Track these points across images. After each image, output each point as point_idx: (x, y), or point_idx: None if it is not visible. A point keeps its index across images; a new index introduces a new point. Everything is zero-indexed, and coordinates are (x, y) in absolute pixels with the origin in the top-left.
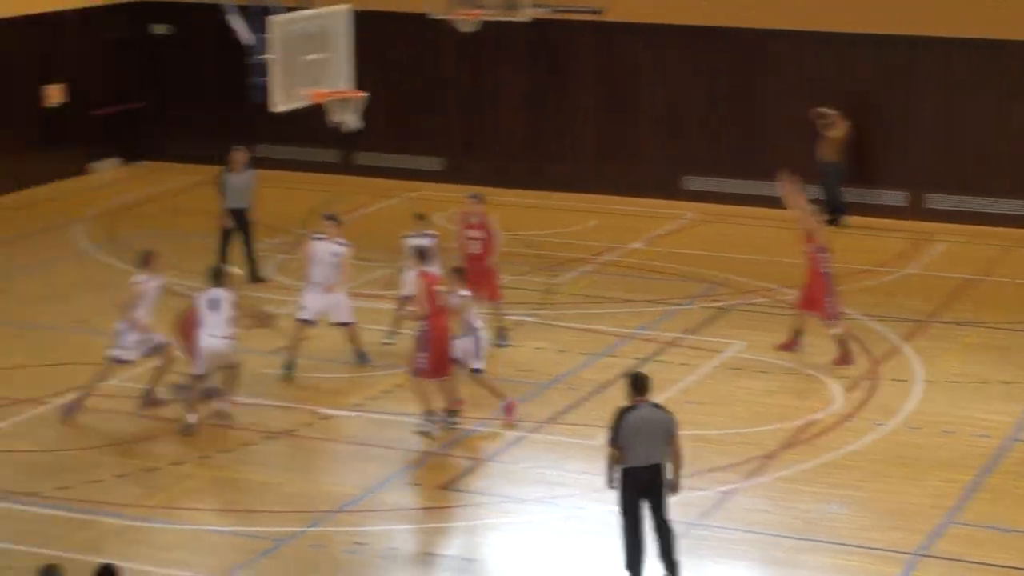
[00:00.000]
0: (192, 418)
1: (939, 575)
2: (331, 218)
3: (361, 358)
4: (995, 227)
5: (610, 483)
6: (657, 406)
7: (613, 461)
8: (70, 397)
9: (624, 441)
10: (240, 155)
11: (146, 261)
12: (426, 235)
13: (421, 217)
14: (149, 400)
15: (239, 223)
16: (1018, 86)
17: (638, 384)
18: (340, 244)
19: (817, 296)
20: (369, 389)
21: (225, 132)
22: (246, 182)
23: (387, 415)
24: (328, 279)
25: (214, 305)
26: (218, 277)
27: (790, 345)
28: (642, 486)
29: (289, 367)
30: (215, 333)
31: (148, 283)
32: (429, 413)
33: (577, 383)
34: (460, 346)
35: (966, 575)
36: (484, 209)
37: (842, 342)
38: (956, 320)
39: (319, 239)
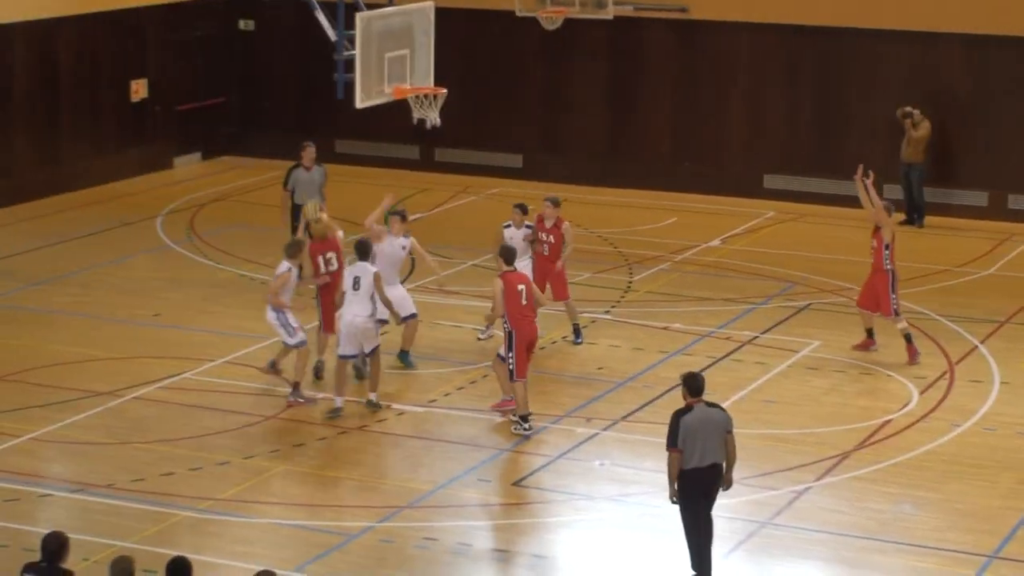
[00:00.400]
0: (339, 402)
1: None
2: (398, 214)
3: (403, 357)
4: None
5: (672, 496)
6: (712, 405)
7: (675, 465)
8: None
9: (683, 443)
10: (311, 150)
11: (295, 251)
12: (526, 226)
13: (523, 210)
14: (272, 368)
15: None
16: None
17: (692, 385)
18: (406, 238)
19: (880, 293)
20: (444, 385)
21: (305, 128)
22: (317, 177)
23: (461, 411)
24: (392, 276)
25: (356, 283)
26: (363, 251)
27: (866, 345)
28: (703, 487)
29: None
30: (358, 312)
31: (293, 271)
32: (524, 417)
33: (652, 381)
34: None
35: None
36: (559, 213)
37: (908, 337)
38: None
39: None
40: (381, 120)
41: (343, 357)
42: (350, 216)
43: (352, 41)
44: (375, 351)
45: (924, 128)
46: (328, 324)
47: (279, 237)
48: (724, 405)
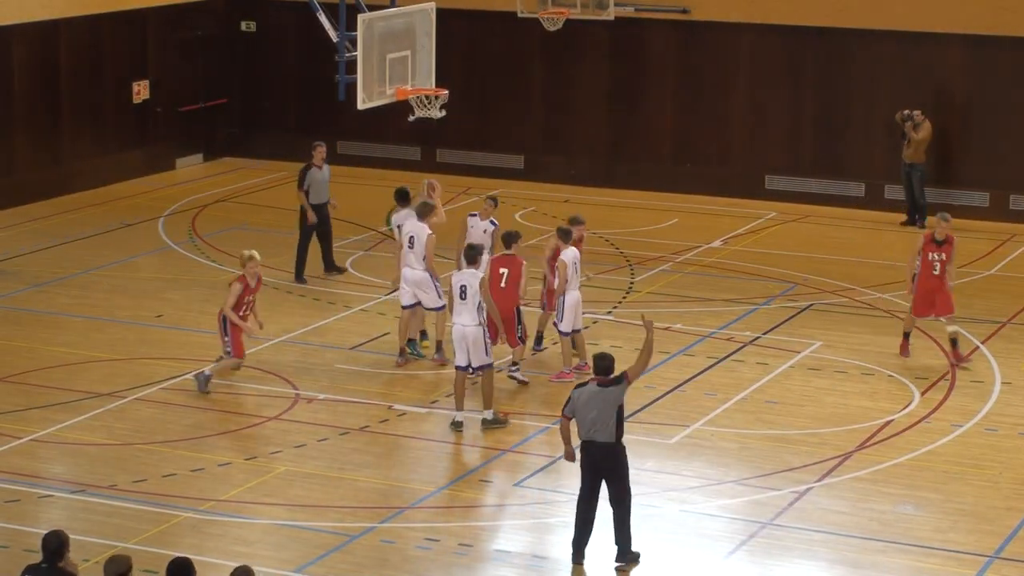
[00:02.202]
0: (459, 416)
1: None
2: (492, 199)
3: (438, 350)
4: None
5: (566, 457)
6: (610, 384)
7: (564, 430)
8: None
9: (572, 414)
10: (322, 149)
11: (425, 212)
12: (491, 222)
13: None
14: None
15: (320, 217)
16: None
17: (598, 364)
18: (493, 223)
19: (947, 295)
20: (447, 385)
21: (307, 129)
22: (328, 176)
23: (462, 412)
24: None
25: (463, 292)
26: (471, 257)
27: (904, 347)
28: (591, 460)
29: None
30: (467, 322)
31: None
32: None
33: (653, 382)
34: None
35: None
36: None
37: (954, 340)
38: None
39: (474, 216)
40: (383, 121)
41: (458, 368)
42: (352, 217)
43: (354, 42)
44: (485, 368)
45: (925, 130)
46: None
47: (281, 238)
48: (725, 406)
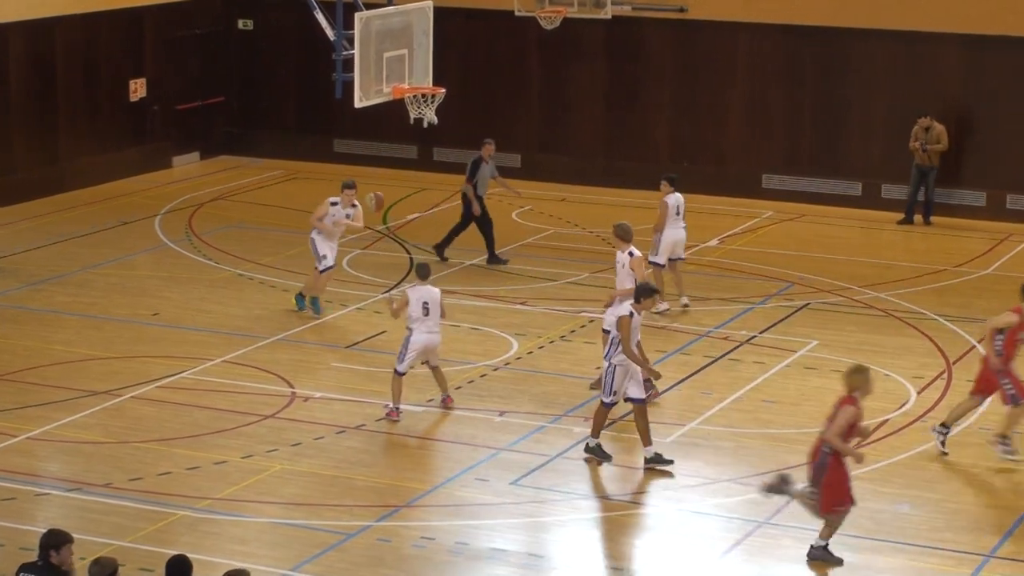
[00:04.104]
0: (592, 442)
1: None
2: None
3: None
4: None
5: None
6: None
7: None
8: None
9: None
10: (491, 146)
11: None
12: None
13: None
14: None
15: (483, 211)
16: None
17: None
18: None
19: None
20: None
21: (304, 127)
22: (493, 171)
23: (458, 410)
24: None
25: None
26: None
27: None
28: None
29: None
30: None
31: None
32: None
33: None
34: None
35: None
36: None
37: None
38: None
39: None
40: (380, 119)
41: (605, 405)
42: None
43: (351, 41)
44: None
45: (943, 139)
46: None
47: (277, 236)
48: (722, 405)
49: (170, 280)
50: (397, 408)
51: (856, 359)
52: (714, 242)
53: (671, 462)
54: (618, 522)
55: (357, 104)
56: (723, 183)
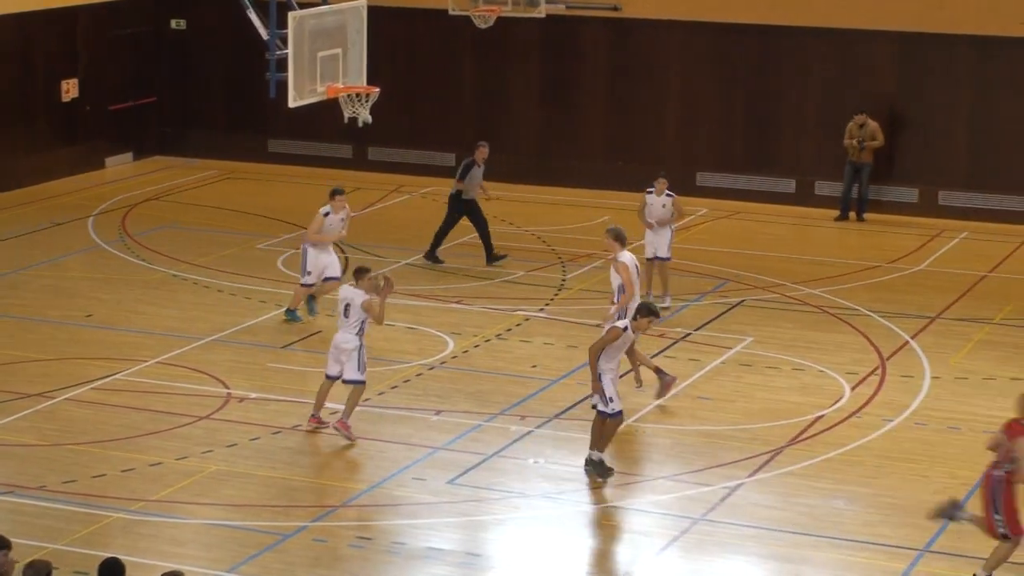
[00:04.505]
0: (595, 455)
1: (944, 570)
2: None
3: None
4: (1007, 224)
5: None
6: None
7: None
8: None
9: None
10: (486, 149)
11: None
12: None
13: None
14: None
15: (475, 211)
16: (1020, 82)
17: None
18: (670, 195)
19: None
20: (378, 384)
21: (238, 127)
22: (482, 175)
23: (395, 410)
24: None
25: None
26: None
27: None
28: None
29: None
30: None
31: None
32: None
33: (586, 378)
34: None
35: (970, 570)
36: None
37: None
38: (965, 316)
39: (650, 191)
40: (314, 119)
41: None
42: (284, 216)
43: (284, 40)
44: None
45: (880, 135)
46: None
47: (211, 237)
48: (657, 402)
49: (104, 281)
50: (316, 415)
51: (790, 356)
52: None
53: (611, 472)
54: (555, 520)
55: (291, 104)
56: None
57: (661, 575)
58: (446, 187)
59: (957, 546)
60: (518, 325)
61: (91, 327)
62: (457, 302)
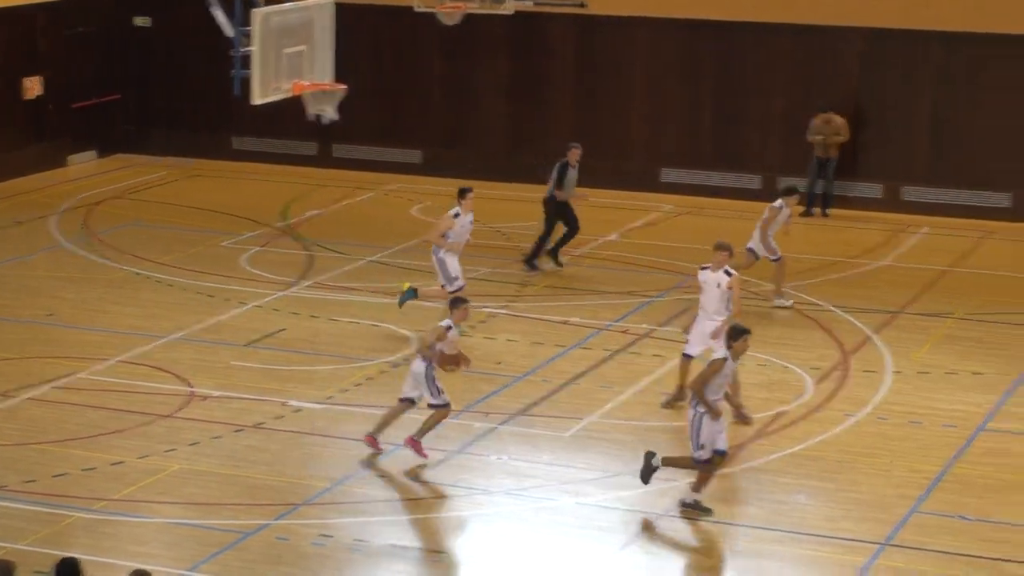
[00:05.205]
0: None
1: (904, 564)
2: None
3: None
4: (969, 219)
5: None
6: None
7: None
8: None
9: None
10: (578, 151)
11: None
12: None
13: None
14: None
15: (568, 213)
16: (993, 78)
17: None
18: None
19: None
20: (342, 381)
21: (202, 125)
22: (577, 176)
23: (358, 407)
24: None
25: None
26: None
27: None
28: None
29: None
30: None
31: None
32: None
33: (550, 375)
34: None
35: (931, 564)
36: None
37: None
38: (928, 311)
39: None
40: (279, 116)
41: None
42: (248, 213)
43: (249, 37)
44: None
45: (846, 131)
46: None
47: (175, 235)
48: (622, 398)
49: (66, 280)
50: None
51: (754, 351)
52: (614, 236)
53: (710, 511)
54: (519, 516)
55: (256, 101)
56: (623, 177)
57: (625, 571)
58: (412, 184)
59: (918, 540)
60: (482, 322)
61: (53, 326)
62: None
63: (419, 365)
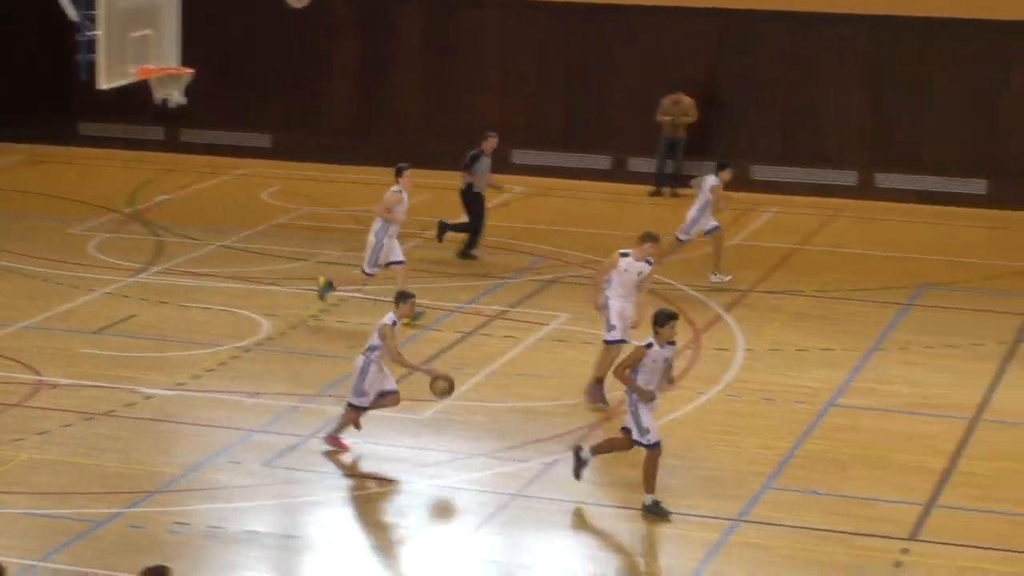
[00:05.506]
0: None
1: (758, 540)
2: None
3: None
4: (818, 197)
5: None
6: None
7: None
8: None
9: None
10: (495, 140)
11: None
12: None
13: None
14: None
15: (480, 205)
16: (838, 58)
17: None
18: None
19: None
20: (193, 367)
21: (47, 110)
22: (489, 165)
23: (211, 393)
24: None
25: None
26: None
27: None
28: None
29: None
30: None
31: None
32: None
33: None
34: None
35: (783, 539)
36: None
37: None
38: (778, 289)
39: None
40: (126, 101)
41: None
42: (96, 200)
43: (95, 20)
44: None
45: (694, 111)
46: None
47: (21, 222)
48: (475, 380)
49: None
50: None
51: None
52: (466, 218)
53: (669, 515)
54: (373, 501)
55: (102, 86)
56: None
57: (479, 552)
58: (262, 168)
59: (770, 515)
60: (334, 306)
61: None
62: (273, 284)
63: (360, 360)
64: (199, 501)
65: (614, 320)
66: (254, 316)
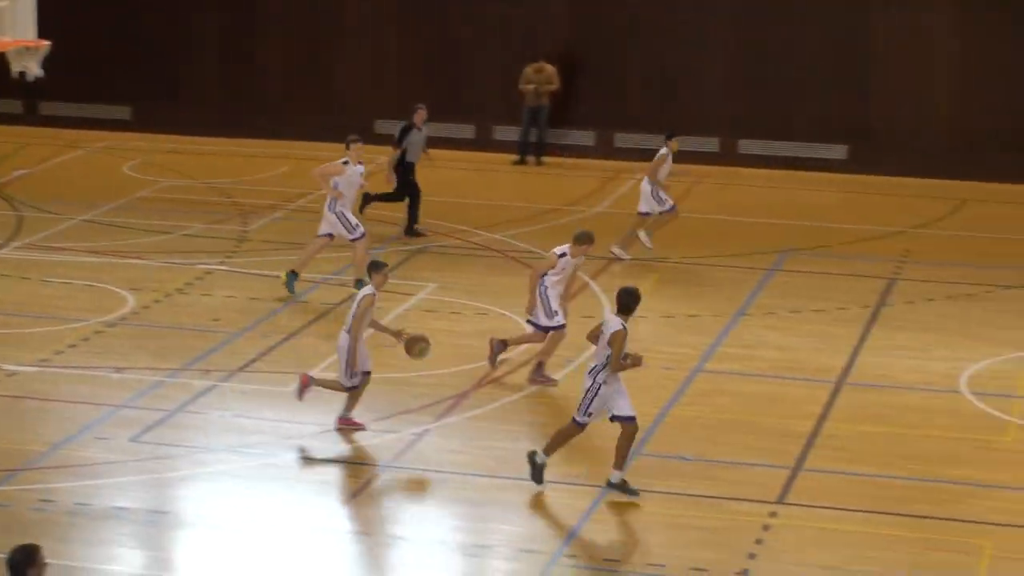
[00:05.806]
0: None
1: (626, 505)
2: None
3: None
4: (681, 163)
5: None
6: None
7: None
8: None
9: None
10: (424, 112)
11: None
12: None
13: None
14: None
15: (413, 178)
16: (697, 23)
17: None
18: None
19: None
20: (56, 343)
21: None
22: (424, 138)
23: (75, 369)
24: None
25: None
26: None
27: None
28: None
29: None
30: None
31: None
32: None
33: (269, 331)
34: None
35: (653, 505)
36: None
37: None
38: (643, 256)
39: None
40: None
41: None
42: None
43: None
44: None
45: (556, 79)
46: None
47: None
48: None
49: None
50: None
51: (473, 301)
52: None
53: (636, 493)
54: (243, 475)
55: None
56: (335, 130)
57: (350, 523)
58: (122, 141)
59: (639, 482)
60: (199, 279)
61: None
62: (136, 257)
63: (344, 339)
64: (65, 479)
65: (555, 306)
66: (118, 291)
